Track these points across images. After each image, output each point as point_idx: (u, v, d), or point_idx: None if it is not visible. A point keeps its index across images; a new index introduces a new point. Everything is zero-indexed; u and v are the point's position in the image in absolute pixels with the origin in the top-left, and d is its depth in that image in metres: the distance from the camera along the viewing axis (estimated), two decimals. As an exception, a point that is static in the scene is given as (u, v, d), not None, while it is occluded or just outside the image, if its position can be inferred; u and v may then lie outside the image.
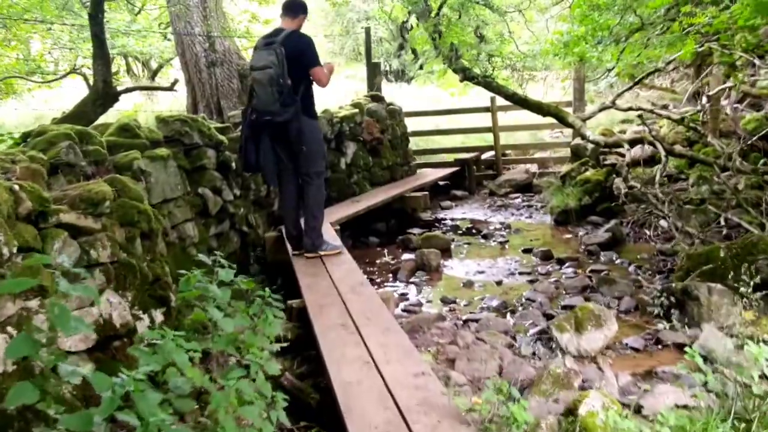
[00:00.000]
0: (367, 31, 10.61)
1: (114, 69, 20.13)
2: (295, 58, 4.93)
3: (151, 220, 3.95)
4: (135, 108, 13.76)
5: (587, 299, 4.92)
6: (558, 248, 6.69)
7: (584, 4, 11.97)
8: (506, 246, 7.05)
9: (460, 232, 7.91)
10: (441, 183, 10.35)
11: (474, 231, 7.84)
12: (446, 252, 6.79)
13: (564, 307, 4.82)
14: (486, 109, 10.72)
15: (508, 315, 4.82)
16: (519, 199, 9.64)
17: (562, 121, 8.91)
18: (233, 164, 6.17)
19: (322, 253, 5.25)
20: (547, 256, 6.33)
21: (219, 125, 6.64)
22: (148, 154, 4.85)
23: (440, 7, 10.06)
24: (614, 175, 8.16)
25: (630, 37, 10.98)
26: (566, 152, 11.41)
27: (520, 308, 4.92)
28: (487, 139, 11.60)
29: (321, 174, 5.34)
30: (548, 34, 10.35)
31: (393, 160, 9.88)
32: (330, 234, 5.99)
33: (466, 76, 9.54)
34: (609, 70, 12.25)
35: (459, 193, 10.25)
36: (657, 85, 15.68)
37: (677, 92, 15.46)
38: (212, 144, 5.97)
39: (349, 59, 29.23)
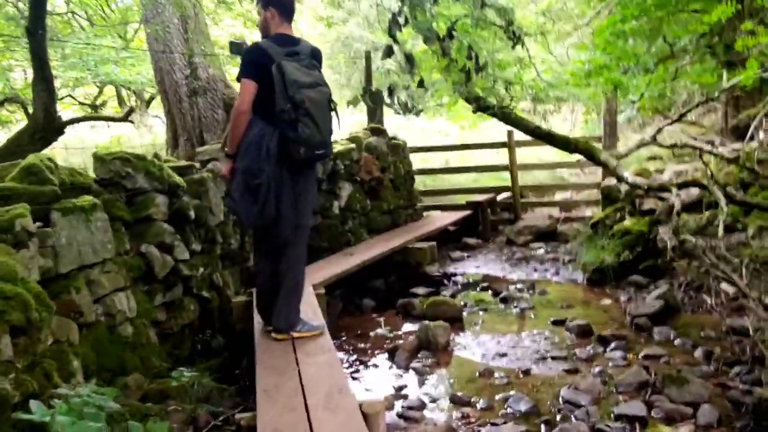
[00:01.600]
0: (368, 55, 9.55)
1: (102, 99, 19.21)
2: None
3: (29, 308, 2.78)
4: (111, 141, 12.72)
5: (649, 404, 3.70)
6: (597, 319, 5.47)
7: (608, 30, 10.93)
8: (531, 314, 5.84)
9: (473, 292, 6.69)
10: (451, 228, 9.17)
11: (491, 292, 6.62)
12: (457, 322, 5.59)
13: (619, 418, 3.59)
14: (502, 145, 9.59)
15: (543, 428, 3.59)
16: (542, 250, 8.43)
17: (593, 159, 7.76)
18: (191, 212, 5.01)
19: (295, 335, 4.05)
20: (584, 332, 5.11)
21: (178, 164, 5.51)
22: (62, 206, 3.71)
23: (451, 29, 9.00)
24: (658, 225, 6.96)
25: (659, 65, 9.92)
26: (590, 194, 10.24)
27: (558, 417, 3.70)
28: (504, 177, 10.45)
29: (307, 229, 4.17)
30: (567, 63, 9.27)
31: (395, 202, 8.73)
32: (310, 304, 4.80)
33: (480, 106, 8.42)
34: (633, 102, 11.18)
35: (472, 241, 9.05)
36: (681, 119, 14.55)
37: (705, 126, 14.33)
38: (163, 188, 4.85)
39: (355, 90, 28.22)
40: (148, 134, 14.61)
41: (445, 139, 19.45)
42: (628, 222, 6.99)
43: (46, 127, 6.05)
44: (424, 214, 9.78)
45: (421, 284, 7.00)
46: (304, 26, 20.49)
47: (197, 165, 5.72)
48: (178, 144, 9.98)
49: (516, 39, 8.04)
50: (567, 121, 13.85)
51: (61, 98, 15.80)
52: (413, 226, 8.57)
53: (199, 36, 9.68)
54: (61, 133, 6.19)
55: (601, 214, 7.74)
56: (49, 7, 11.29)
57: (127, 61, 14.05)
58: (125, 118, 5.89)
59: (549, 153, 12.02)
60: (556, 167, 10.72)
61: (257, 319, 4.50)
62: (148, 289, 4.54)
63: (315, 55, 3.95)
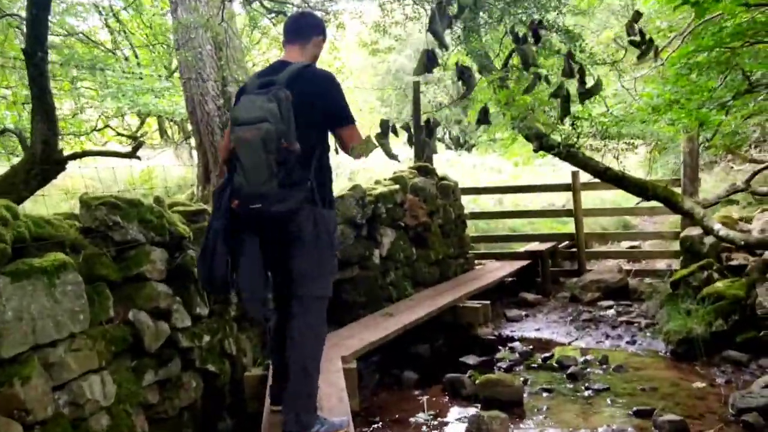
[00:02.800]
0: (416, 86, 8.76)
1: (143, 130, 18.84)
2: (308, 109, 3.15)
3: None
4: (141, 175, 12.14)
5: None
6: (691, 410, 4.48)
7: (679, 62, 9.94)
8: (607, 399, 4.84)
9: (535, 365, 5.73)
10: (506, 280, 8.22)
11: (556, 366, 5.63)
12: (516, 408, 4.64)
13: None
14: (566, 187, 8.61)
15: None
16: (612, 310, 7.40)
17: (675, 207, 6.81)
18: (195, 269, 4.20)
19: (311, 437, 3.18)
20: (678, 430, 4.09)
21: (187, 208, 4.74)
22: (12, 269, 2.93)
23: (508, 57, 8.15)
24: (755, 288, 5.92)
25: (736, 100, 8.91)
26: (662, 244, 9.17)
27: None
28: (562, 222, 9.50)
29: (324, 300, 3.33)
30: (636, 96, 8.32)
31: (444, 251, 7.83)
32: (335, 386, 3.94)
33: (543, 145, 7.54)
34: (708, 140, 10.13)
35: (530, 296, 8.07)
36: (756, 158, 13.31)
37: None
38: (163, 240, 4.06)
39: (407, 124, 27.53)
40: (188, 166, 14.13)
41: (497, 177, 18.60)
42: (720, 284, 5.95)
43: (44, 161, 5.38)
44: (476, 263, 8.85)
45: (473, 350, 6.09)
46: (356, 58, 19.93)
47: (210, 209, 4.93)
48: (210, 179, 9.34)
49: (578, 70, 7.16)
50: (642, 162, 12.77)
51: (99, 129, 15.46)
52: (464, 279, 7.65)
53: (234, 64, 9.04)
54: (62, 169, 5.49)
55: (683, 272, 6.70)
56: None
57: (168, 91, 13.60)
58: (132, 154, 5.17)
59: (611, 195, 11.03)
60: (626, 213, 9.70)
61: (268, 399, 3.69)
62: (136, 366, 3.73)
63: (293, 83, 3.14)
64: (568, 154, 7.19)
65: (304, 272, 3.20)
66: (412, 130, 8.54)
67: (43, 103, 5.27)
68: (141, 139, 18.24)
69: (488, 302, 6.59)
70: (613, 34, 8.39)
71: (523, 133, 7.62)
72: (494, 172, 19.76)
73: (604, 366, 5.56)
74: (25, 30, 6.46)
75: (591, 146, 7.86)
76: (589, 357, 5.81)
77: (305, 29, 3.43)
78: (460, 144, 26.74)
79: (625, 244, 10.21)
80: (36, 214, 3.81)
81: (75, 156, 5.61)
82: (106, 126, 16.69)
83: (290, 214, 3.11)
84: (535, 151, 7.67)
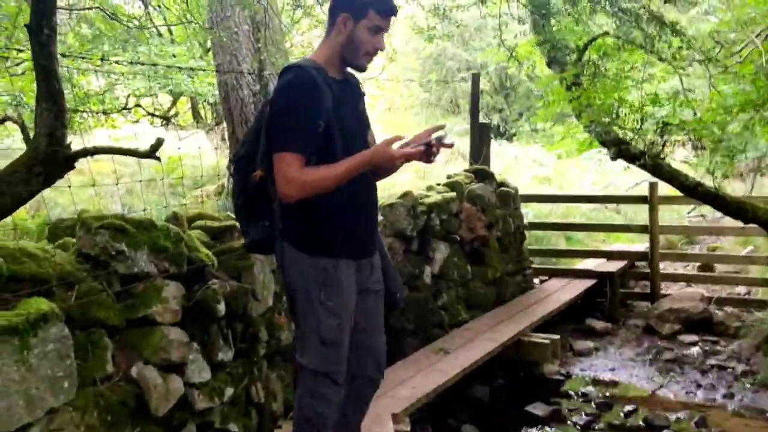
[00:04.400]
0: (475, 79, 7.89)
1: (173, 111, 18.16)
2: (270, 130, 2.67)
3: None
4: (170, 162, 11.44)
5: None
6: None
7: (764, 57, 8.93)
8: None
9: (616, 421, 4.89)
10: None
11: (643, 426, 4.78)
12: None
13: None
14: (642, 200, 7.68)
15: None
16: (696, 348, 6.49)
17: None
18: (221, 305, 3.44)
19: None
20: None
21: (212, 224, 3.99)
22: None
23: (584, 50, 7.23)
24: None
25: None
26: (748, 269, 8.23)
27: None
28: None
29: (312, 374, 2.70)
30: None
31: (502, 268, 6.99)
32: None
33: (622, 152, 6.63)
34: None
35: (598, 324, 7.19)
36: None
37: None
38: (179, 269, 3.29)
39: (445, 111, 26.87)
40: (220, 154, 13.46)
41: (540, 170, 17.71)
42: None
43: (49, 158, 4.64)
44: (535, 280, 7.99)
45: (538, 393, 5.25)
46: (397, 41, 19.09)
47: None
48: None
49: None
50: (745, 179, 11.74)
51: (129, 108, 14.85)
52: (524, 302, 6.81)
53: (272, 46, 8.24)
54: (70, 167, 4.75)
55: (790, 310, 5.80)
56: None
57: (203, 71, 12.87)
58: (150, 154, 4.38)
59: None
60: (712, 233, 8.74)
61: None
62: (138, 436, 2.98)
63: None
64: (654, 166, 6.29)
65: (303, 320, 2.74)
66: (475, 131, 7.76)
67: (49, 88, 4.49)
68: (172, 119, 17.64)
69: (557, 337, 5.75)
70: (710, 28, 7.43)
71: (599, 138, 6.73)
72: (536, 165, 18.96)
73: (703, 430, 4.69)
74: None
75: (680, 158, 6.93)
76: (681, 414, 4.94)
77: (331, 8, 2.72)
78: (500, 134, 25.92)
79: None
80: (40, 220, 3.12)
81: (86, 153, 4.84)
82: (137, 105, 16.09)
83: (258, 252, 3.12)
84: (613, 159, 6.76)
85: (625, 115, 6.62)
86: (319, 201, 2.59)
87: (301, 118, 2.51)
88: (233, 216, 4.42)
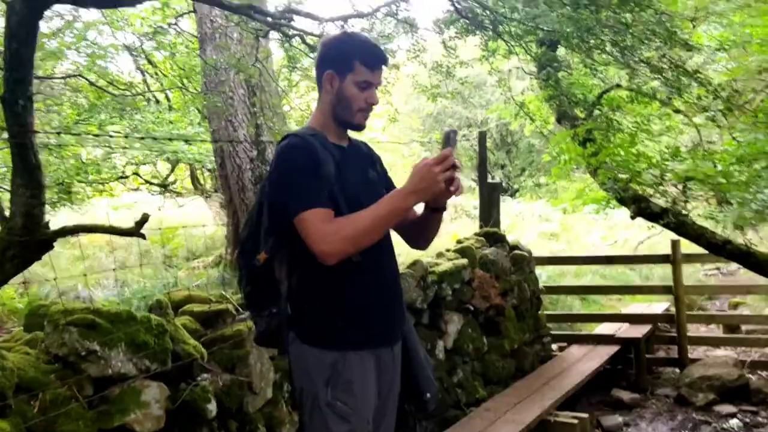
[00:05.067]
0: (482, 136, 7.58)
1: (172, 178, 17.91)
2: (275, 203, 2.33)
3: None
4: (165, 232, 11.09)
5: None
6: None
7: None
8: None
9: None
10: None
11: None
12: None
13: None
14: (664, 259, 7.28)
15: None
16: (736, 420, 6.00)
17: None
18: (212, 404, 3.04)
19: None
20: None
21: (201, 308, 3.61)
22: None
23: (596, 103, 6.96)
24: None
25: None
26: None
27: None
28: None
29: None
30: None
31: (519, 338, 6.56)
32: None
33: (642, 210, 6.28)
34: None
35: (625, 395, 6.69)
36: None
37: None
38: (163, 366, 2.90)
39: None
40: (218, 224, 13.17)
41: (546, 225, 17.42)
42: None
43: (25, 239, 4.29)
44: (554, 347, 7.53)
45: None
46: (397, 101, 19.04)
47: (233, 308, 3.75)
48: (241, 243, 8.26)
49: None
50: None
51: (126, 177, 14.61)
52: (546, 374, 6.34)
53: (269, 110, 7.98)
54: (49, 248, 4.40)
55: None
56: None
57: (200, 136, 12.67)
58: (136, 232, 4.02)
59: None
60: (739, 292, 8.32)
61: None
62: None
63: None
64: (678, 224, 5.92)
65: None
66: (484, 190, 7.43)
67: (25, 163, 4.18)
68: (171, 186, 17.39)
69: (586, 416, 5.28)
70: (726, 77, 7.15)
71: (616, 195, 6.38)
72: (542, 221, 18.72)
73: None
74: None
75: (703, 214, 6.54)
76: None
77: (316, 68, 2.44)
78: (504, 190, 25.71)
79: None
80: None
81: (65, 232, 4.48)
82: (135, 173, 15.90)
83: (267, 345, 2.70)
84: (632, 218, 6.41)
85: (643, 170, 6.28)
86: (325, 279, 2.24)
87: (311, 172, 2.20)
88: (226, 296, 4.04)
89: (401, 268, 5.39)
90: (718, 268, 12.03)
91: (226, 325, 3.56)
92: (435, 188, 2.11)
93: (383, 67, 2.38)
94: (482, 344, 5.99)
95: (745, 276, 11.08)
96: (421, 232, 2.52)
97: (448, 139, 2.19)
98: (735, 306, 9.90)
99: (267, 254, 2.28)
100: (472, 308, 5.98)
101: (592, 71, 6.13)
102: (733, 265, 11.07)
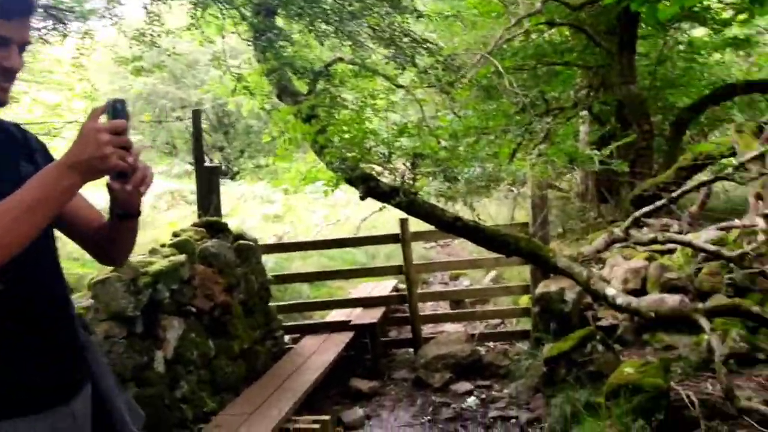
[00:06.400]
0: (196, 115, 6.84)
1: None
2: None
3: None
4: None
5: None
6: None
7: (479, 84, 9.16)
8: None
9: None
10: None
11: None
12: None
13: None
14: (394, 238, 7.17)
15: None
16: (473, 397, 6.02)
17: (545, 265, 5.64)
18: None
19: None
20: None
21: None
22: None
23: (316, 79, 6.57)
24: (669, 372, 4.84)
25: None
26: (499, 300, 8.10)
27: None
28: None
29: None
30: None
31: (250, 337, 6.01)
32: None
33: (371, 190, 6.02)
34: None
35: (363, 384, 6.45)
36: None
37: (564, 190, 12.94)
38: None
39: (162, 153, 25.27)
40: None
41: (269, 208, 17.12)
42: (629, 368, 4.75)
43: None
44: (286, 338, 7.10)
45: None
46: (100, 79, 17.36)
47: None
48: None
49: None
50: (503, 206, 11.79)
51: None
52: (281, 373, 5.87)
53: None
54: None
55: (562, 346, 5.53)
56: None
57: None
58: None
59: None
60: (468, 267, 8.51)
61: None
62: None
63: None
64: (409, 203, 5.74)
65: None
66: (203, 174, 6.73)
67: None
68: None
69: (327, 418, 4.90)
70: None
71: (345, 175, 6.06)
72: (265, 203, 18.40)
73: None
74: None
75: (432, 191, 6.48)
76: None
77: None
78: (224, 173, 24.97)
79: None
80: None
81: None
82: None
83: None
84: (362, 198, 6.13)
85: (370, 148, 6.03)
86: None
87: None
88: None
89: (106, 272, 4.57)
90: (435, 241, 12.45)
91: None
92: (101, 162, 1.43)
93: (28, 17, 1.61)
94: (209, 349, 5.35)
95: (459, 247, 11.66)
96: (111, 245, 1.82)
97: (116, 111, 1.50)
98: (456, 277, 10.28)
99: None
100: (194, 310, 5.29)
101: (316, 39, 5.68)
102: (450, 241, 11.57)
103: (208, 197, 6.79)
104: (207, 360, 5.35)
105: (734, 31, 11.95)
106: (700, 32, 12.81)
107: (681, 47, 12.33)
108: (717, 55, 13.01)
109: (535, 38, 11.11)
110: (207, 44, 7.09)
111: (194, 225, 6.28)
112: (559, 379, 5.43)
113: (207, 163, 7.02)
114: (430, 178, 6.33)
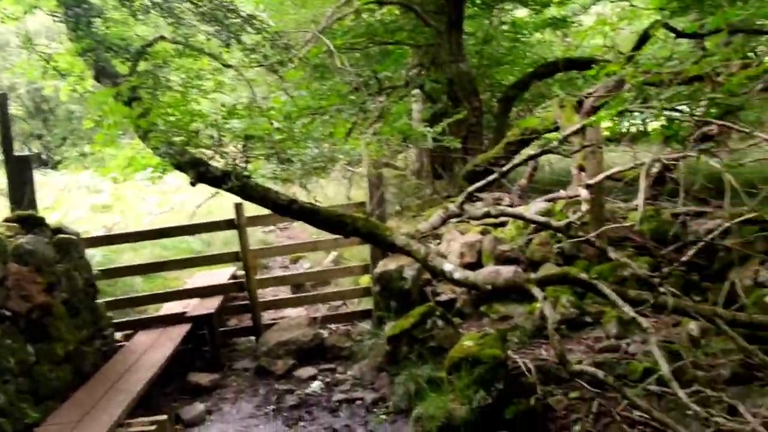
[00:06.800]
0: (3, 100, 6.25)
1: None
2: None
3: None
4: None
5: None
6: None
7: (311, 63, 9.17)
8: None
9: None
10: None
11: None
12: None
13: None
14: (229, 224, 6.92)
15: None
16: (317, 382, 5.94)
17: (384, 244, 5.65)
18: None
19: None
20: None
21: None
22: None
23: (137, 59, 6.17)
24: (506, 342, 5.00)
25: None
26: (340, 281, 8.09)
27: None
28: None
29: None
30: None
31: (75, 337, 5.60)
32: None
33: (202, 175, 5.75)
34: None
35: (202, 378, 6.20)
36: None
37: (400, 168, 13.20)
38: None
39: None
40: None
41: (96, 198, 16.18)
42: (469, 341, 4.85)
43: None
44: (117, 335, 6.70)
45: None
46: None
47: None
48: None
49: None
50: (340, 186, 11.55)
51: None
52: (111, 374, 5.51)
53: None
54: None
55: (404, 323, 5.58)
56: None
57: None
58: None
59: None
60: (309, 249, 8.37)
61: None
62: None
63: None
64: (243, 187, 5.53)
65: None
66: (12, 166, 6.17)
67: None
68: None
69: (164, 418, 4.64)
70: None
71: (174, 161, 5.74)
72: (92, 193, 17.32)
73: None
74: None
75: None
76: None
77: None
78: (44, 162, 23.32)
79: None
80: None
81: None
82: None
83: None
84: (193, 184, 5.83)
85: (198, 132, 5.75)
86: None
87: None
88: None
89: None
90: (275, 225, 12.23)
91: None
92: None
93: None
94: (27, 354, 4.91)
95: (300, 230, 11.52)
96: None
97: None
98: (296, 261, 10.14)
99: None
100: (9, 313, 4.85)
101: (131, 15, 5.31)
102: (284, 224, 11.38)
103: (20, 189, 6.24)
104: (26, 367, 4.91)
105: (552, 11, 12.62)
106: (522, 13, 13.41)
107: (505, 27, 12.83)
108: (538, 35, 13.67)
109: (366, 17, 11.14)
110: (18, 24, 6.46)
111: (6, 220, 5.74)
112: (402, 356, 5.48)
113: (18, 153, 6.45)
114: (264, 161, 6.14)
